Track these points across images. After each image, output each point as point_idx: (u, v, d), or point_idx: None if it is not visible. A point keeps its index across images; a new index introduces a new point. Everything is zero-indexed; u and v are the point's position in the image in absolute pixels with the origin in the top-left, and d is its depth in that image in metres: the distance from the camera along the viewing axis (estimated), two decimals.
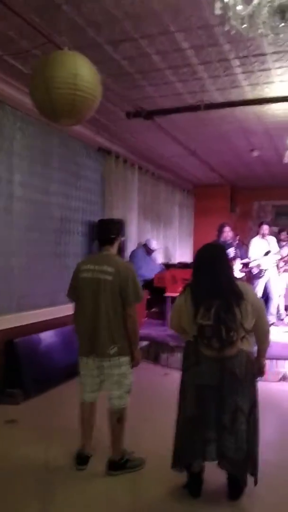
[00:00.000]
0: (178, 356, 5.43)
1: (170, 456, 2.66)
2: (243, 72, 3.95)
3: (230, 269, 2.62)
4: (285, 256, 7.19)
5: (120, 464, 2.86)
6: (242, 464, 2.42)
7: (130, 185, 6.91)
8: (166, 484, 2.74)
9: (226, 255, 2.63)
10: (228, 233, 6.52)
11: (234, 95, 4.47)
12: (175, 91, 4.47)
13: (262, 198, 10.16)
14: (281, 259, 6.92)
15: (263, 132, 5.82)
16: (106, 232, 2.99)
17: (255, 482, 2.50)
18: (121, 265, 2.87)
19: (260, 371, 2.64)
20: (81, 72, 2.52)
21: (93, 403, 2.96)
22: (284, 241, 7.35)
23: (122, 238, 3.16)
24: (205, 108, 4.34)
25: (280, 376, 5.06)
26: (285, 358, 5.10)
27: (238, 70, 3.90)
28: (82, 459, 2.92)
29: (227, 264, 2.58)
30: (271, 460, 2.93)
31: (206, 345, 2.37)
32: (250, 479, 2.52)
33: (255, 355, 2.62)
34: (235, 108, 4.93)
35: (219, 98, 4.56)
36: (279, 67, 3.79)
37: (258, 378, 2.62)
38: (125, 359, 2.84)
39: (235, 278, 2.56)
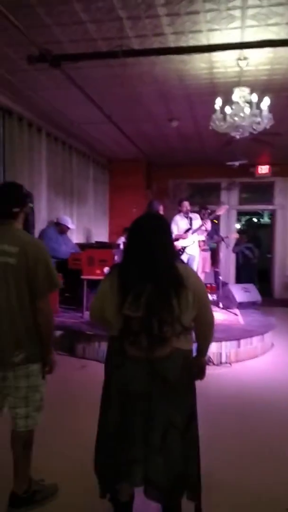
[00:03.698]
0: (96, 346, 4.87)
1: (89, 476, 2.08)
2: (168, 15, 3.37)
3: (172, 248, 2.03)
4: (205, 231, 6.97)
5: (25, 498, 2.22)
6: (173, 491, 1.89)
7: (37, 154, 6.03)
8: None
9: (169, 229, 2.05)
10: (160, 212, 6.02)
11: (155, 45, 3.88)
12: (88, 35, 3.75)
13: (177, 176, 9.89)
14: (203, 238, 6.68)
15: (184, 98, 5.35)
16: (6, 201, 2.16)
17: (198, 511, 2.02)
18: (28, 243, 2.11)
19: (200, 373, 2.15)
20: None
21: None
22: (202, 219, 7.09)
23: (30, 205, 2.33)
24: (124, 55, 3.66)
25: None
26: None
27: (162, 10, 3.31)
28: None
29: (169, 241, 2.00)
30: (207, 470, 2.49)
31: (132, 343, 1.80)
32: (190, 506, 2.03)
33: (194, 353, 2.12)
34: (155, 65, 4.37)
35: (138, 47, 3.93)
36: (210, 10, 3.27)
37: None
38: (35, 367, 2.15)
39: (177, 259, 2.01)
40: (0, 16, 3.28)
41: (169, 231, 2.03)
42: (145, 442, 1.86)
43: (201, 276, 7.39)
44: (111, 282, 1.91)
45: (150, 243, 1.89)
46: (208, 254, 7.49)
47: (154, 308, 1.77)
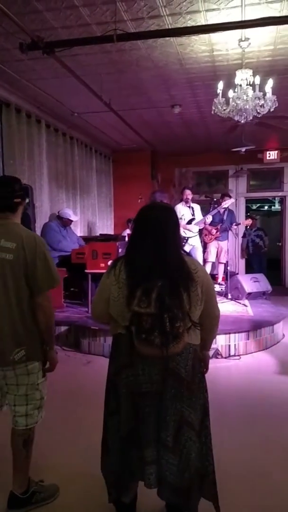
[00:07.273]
0: (101, 341, 4.79)
1: (92, 477, 2.01)
2: None
3: (179, 240, 1.94)
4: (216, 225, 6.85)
5: (23, 499, 2.15)
6: (187, 491, 1.81)
7: (37, 146, 5.92)
8: None
9: (177, 220, 1.94)
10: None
11: (152, 28, 3.72)
12: (81, 20, 3.61)
13: (183, 164, 9.71)
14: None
15: (185, 82, 5.18)
16: (6, 194, 2.09)
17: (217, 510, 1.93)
18: (26, 237, 2.04)
19: (203, 367, 2.05)
20: None
21: None
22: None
23: (26, 201, 2.28)
24: (118, 39, 3.50)
25: (212, 352, 4.64)
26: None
27: None
28: None
29: (178, 234, 1.91)
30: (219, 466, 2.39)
31: (144, 341, 1.69)
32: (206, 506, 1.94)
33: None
34: (153, 49, 4.20)
35: (133, 31, 3.77)
36: None
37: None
38: (35, 365, 2.09)
39: (184, 252, 1.92)
40: None
41: (178, 223, 1.92)
42: (157, 442, 1.78)
43: (221, 267, 7.28)
44: (116, 277, 1.80)
45: (161, 236, 1.77)
46: (225, 244, 7.29)
47: (166, 304, 1.66)
